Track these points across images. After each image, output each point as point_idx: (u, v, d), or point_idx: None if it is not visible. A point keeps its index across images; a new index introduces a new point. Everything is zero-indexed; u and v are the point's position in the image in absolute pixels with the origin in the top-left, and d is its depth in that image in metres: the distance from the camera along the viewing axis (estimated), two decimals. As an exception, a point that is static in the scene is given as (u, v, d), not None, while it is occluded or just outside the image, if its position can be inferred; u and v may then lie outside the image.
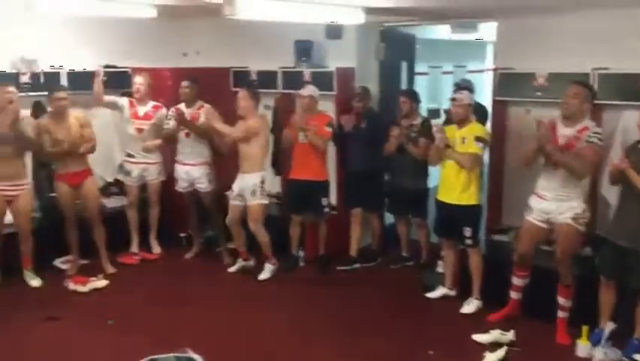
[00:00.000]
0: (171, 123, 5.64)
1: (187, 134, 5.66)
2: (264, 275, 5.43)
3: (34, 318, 4.55)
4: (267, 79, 6.16)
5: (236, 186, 5.35)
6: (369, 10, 4.75)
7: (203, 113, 5.59)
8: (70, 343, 4.23)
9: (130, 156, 5.80)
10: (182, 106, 5.70)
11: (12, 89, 5.05)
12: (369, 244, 5.93)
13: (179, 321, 4.57)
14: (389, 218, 6.04)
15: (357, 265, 5.67)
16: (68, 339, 4.29)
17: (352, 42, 5.79)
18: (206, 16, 5.77)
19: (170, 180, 5.92)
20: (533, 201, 4.23)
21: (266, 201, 5.37)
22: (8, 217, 5.07)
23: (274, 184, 6.09)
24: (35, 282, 5.19)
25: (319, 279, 5.48)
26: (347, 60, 5.83)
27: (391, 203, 5.78)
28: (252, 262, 5.58)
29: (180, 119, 5.50)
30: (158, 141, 5.79)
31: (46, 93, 5.32)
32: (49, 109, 5.29)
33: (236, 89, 5.81)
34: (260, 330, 4.45)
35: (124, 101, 5.74)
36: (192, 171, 5.70)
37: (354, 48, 5.85)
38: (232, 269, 5.59)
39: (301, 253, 5.76)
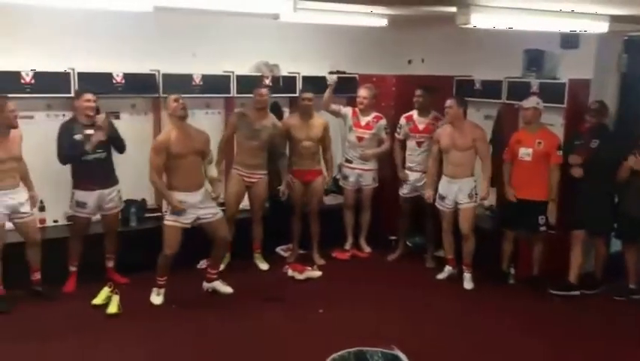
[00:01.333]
0: (401, 132, 5.89)
1: (419, 144, 5.78)
2: (468, 285, 5.34)
3: (258, 297, 5.05)
4: (490, 89, 6.02)
5: (446, 192, 5.33)
6: (616, 19, 4.39)
7: (440, 125, 5.60)
8: (284, 324, 4.62)
9: (348, 161, 6.09)
10: (414, 114, 5.81)
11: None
12: (590, 270, 5.47)
13: (383, 319, 4.71)
14: (615, 244, 5.51)
15: (576, 293, 5.26)
16: (283, 320, 4.69)
17: (590, 52, 5.40)
18: (436, 25, 5.84)
19: (383, 185, 6.11)
20: None
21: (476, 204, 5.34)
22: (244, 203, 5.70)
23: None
24: (264, 265, 5.74)
25: (531, 300, 5.19)
26: (582, 71, 5.43)
27: (620, 228, 5.26)
28: (456, 271, 5.50)
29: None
30: (378, 150, 6.00)
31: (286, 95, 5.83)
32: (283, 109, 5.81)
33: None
34: (466, 340, 4.40)
35: (347, 110, 6.05)
36: (417, 177, 5.80)
37: (591, 58, 5.44)
38: (440, 276, 5.56)
39: (512, 271, 5.52)
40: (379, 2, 4.88)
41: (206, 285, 5.07)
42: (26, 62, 5.08)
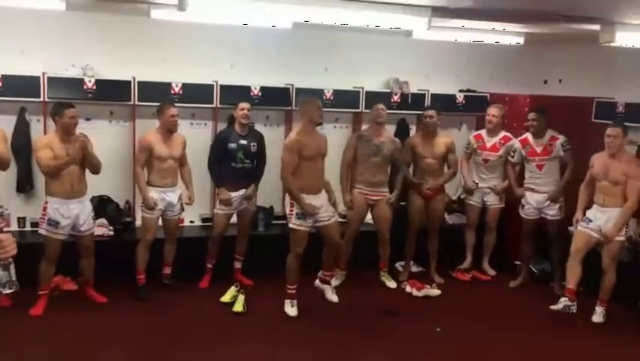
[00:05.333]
0: (515, 156, 5.68)
1: (539, 167, 5.57)
2: (597, 318, 4.97)
3: (376, 310, 5.09)
4: (636, 112, 5.63)
5: (594, 217, 5.01)
6: None
7: (559, 144, 5.45)
8: (399, 339, 4.62)
9: (474, 183, 5.98)
10: (529, 137, 5.63)
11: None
12: None
13: (497, 345, 4.57)
14: None
15: None
16: (399, 335, 4.68)
17: None
18: (575, 44, 5.61)
19: (510, 206, 5.92)
20: None
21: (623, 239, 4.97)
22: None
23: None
24: (391, 283, 5.72)
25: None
26: None
27: None
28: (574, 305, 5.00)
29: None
30: (507, 182, 5.84)
31: (413, 112, 5.87)
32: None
33: (598, 120, 5.47)
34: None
35: (472, 139, 5.95)
36: (540, 198, 5.59)
37: None
38: (554, 307, 5.03)
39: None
40: (517, 20, 4.80)
41: (317, 283, 5.14)
42: (175, 74, 5.58)
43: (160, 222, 5.17)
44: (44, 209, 4.63)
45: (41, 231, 4.67)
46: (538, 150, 5.55)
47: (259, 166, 5.41)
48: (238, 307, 4.93)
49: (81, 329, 4.51)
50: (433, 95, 6.36)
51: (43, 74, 5.17)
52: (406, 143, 5.77)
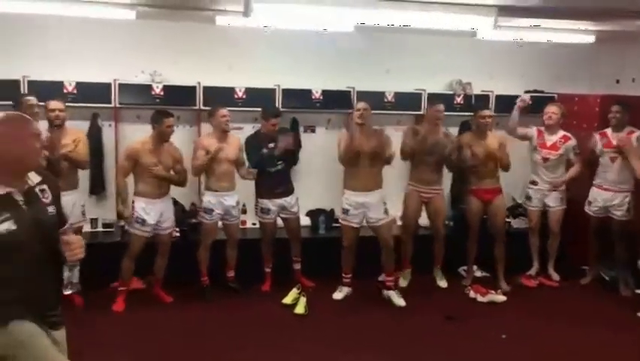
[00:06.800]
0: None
1: (612, 159, 5.40)
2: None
3: (439, 315, 5.01)
4: None
5: None
6: None
7: (634, 138, 5.26)
8: (462, 345, 4.52)
9: (533, 183, 5.81)
10: (608, 131, 5.44)
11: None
12: None
13: (571, 353, 4.40)
14: None
15: None
16: (462, 340, 4.58)
17: None
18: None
19: (573, 208, 5.73)
20: None
21: None
22: (423, 221, 5.72)
23: None
24: (443, 283, 5.70)
25: None
26: None
27: None
28: None
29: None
30: (568, 176, 5.68)
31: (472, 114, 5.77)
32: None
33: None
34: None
35: (533, 131, 5.78)
36: (608, 196, 5.45)
37: None
38: None
39: None
40: (586, 17, 4.63)
41: (384, 292, 5.18)
42: (239, 79, 5.68)
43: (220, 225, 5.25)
44: (133, 208, 4.86)
45: (129, 228, 4.92)
46: (615, 142, 5.38)
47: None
48: (300, 309, 4.96)
49: (154, 325, 4.66)
50: (497, 96, 6.22)
51: (115, 80, 5.38)
52: (459, 141, 5.61)
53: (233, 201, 5.22)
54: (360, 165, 4.99)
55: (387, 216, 5.09)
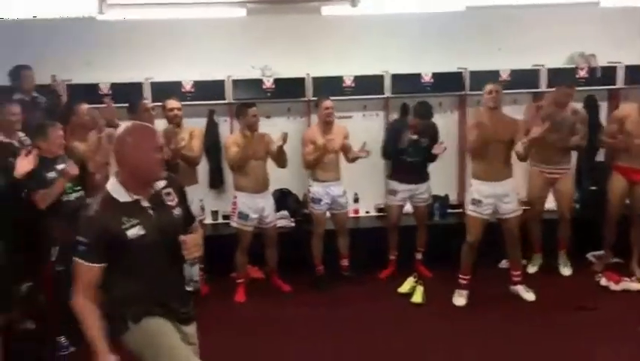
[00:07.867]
0: None
1: None
2: None
3: (568, 305, 4.70)
4: None
5: None
6: None
7: None
8: (595, 337, 4.21)
9: None
10: None
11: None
12: None
13: None
14: None
15: None
16: (594, 333, 4.27)
17: None
18: None
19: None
20: None
21: None
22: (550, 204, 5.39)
23: None
24: (566, 270, 5.35)
25: None
26: None
27: None
28: None
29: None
30: None
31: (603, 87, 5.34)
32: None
33: None
34: None
35: None
36: None
37: None
38: None
39: None
40: None
41: (512, 288, 4.94)
42: (348, 68, 5.66)
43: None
44: (234, 204, 4.98)
45: (233, 224, 5.03)
46: None
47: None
48: (417, 297, 4.87)
49: (273, 315, 4.77)
50: (627, 66, 5.70)
51: (228, 77, 5.57)
52: (613, 116, 5.19)
53: (339, 191, 5.20)
54: (491, 152, 4.63)
55: (520, 208, 4.81)
